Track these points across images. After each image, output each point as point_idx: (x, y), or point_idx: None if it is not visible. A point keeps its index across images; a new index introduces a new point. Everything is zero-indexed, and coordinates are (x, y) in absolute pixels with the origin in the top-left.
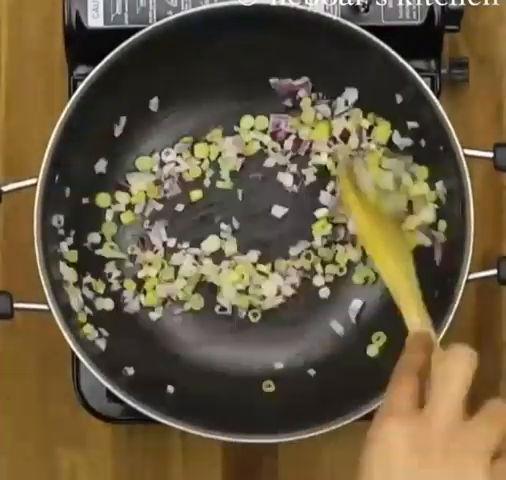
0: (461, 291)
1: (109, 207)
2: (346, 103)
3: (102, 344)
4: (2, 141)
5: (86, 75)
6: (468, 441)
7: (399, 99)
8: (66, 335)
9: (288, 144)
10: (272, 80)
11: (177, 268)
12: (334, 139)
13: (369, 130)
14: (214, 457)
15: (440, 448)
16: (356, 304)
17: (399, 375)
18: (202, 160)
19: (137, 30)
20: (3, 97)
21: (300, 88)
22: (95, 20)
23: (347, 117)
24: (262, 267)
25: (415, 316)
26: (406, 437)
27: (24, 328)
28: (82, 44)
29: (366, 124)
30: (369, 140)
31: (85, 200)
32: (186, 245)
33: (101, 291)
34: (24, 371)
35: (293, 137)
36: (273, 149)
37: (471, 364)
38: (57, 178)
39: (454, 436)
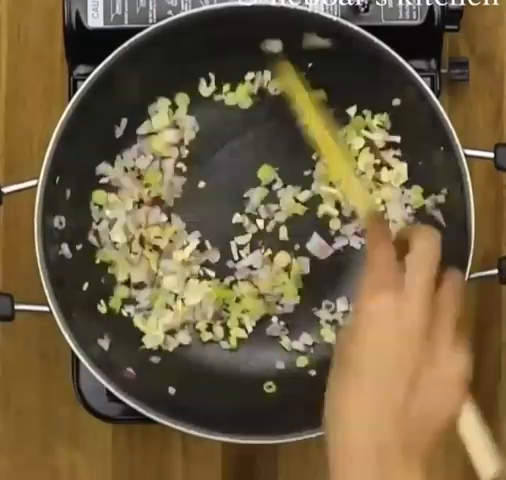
0: None
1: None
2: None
3: (105, 344)
4: (2, 142)
5: (86, 75)
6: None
7: (398, 100)
8: (67, 336)
9: None
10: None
11: None
12: None
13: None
14: (214, 457)
15: (420, 327)
16: None
17: (374, 247)
18: None
19: (137, 30)
20: (3, 97)
21: None
22: (95, 20)
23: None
24: None
25: (365, 202)
26: (395, 314)
27: (25, 328)
28: (82, 44)
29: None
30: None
31: (86, 201)
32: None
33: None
34: (25, 371)
35: None
36: None
37: (438, 243)
38: (58, 179)
39: (428, 313)
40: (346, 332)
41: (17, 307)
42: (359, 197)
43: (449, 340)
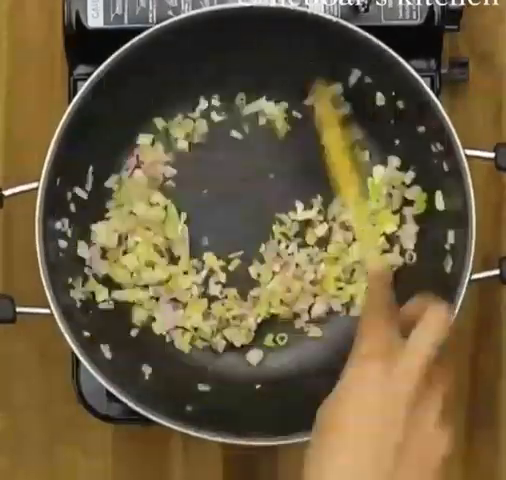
0: (463, 292)
1: None
2: None
3: (106, 346)
4: (2, 143)
5: (86, 75)
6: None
7: (397, 100)
8: (68, 338)
9: None
10: None
11: None
12: None
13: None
14: (214, 457)
15: (407, 395)
16: None
17: (370, 318)
18: None
19: (137, 30)
20: (3, 98)
21: None
22: (95, 20)
23: None
24: None
25: (376, 259)
26: (383, 379)
27: (26, 330)
28: (82, 44)
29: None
30: None
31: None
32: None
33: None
34: (25, 372)
35: None
36: None
37: (449, 323)
38: (58, 181)
39: (420, 384)
40: (331, 395)
41: (18, 309)
42: (371, 248)
43: (434, 417)
